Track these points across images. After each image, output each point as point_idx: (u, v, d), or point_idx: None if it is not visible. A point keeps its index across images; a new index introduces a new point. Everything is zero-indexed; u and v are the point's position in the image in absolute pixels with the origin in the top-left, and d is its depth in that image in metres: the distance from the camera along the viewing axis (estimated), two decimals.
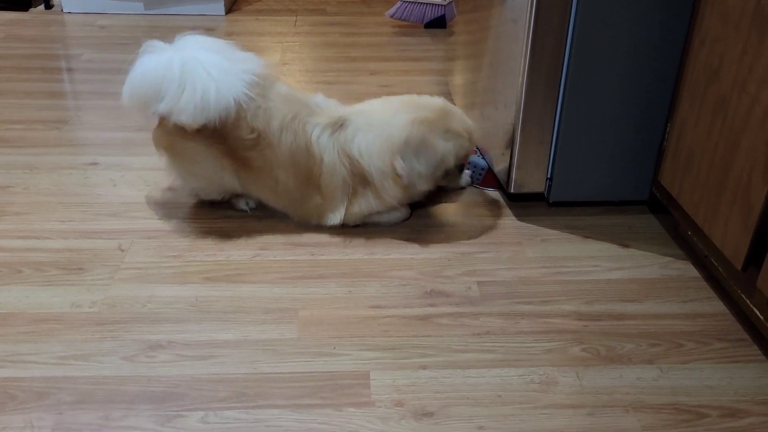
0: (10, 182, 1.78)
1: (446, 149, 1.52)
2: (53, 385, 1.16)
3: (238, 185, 1.62)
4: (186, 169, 1.62)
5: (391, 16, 3.21)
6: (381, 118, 1.55)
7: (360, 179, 1.55)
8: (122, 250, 1.52)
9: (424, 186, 1.56)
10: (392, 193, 1.55)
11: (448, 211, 1.72)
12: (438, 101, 1.59)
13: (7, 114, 2.20)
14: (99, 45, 2.91)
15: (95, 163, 1.90)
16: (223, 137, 1.53)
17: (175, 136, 1.55)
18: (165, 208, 1.69)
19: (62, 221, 1.62)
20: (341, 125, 1.55)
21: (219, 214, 1.67)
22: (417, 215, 1.69)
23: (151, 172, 1.85)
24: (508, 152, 1.64)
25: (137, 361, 1.21)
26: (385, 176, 1.53)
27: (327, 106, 1.60)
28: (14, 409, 1.11)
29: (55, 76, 2.58)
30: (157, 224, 1.62)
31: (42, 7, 3.43)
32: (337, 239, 1.58)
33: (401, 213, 1.65)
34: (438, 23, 3.18)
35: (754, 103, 1.16)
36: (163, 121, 1.56)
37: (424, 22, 3.19)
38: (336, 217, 1.58)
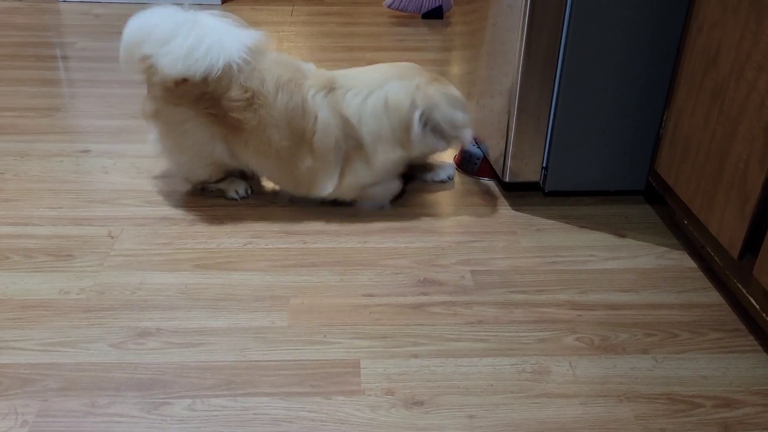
0: (1, 169, 1.76)
1: (455, 116, 1.56)
2: (39, 371, 1.14)
3: (228, 155, 1.58)
4: (174, 140, 1.57)
5: (389, 6, 3.18)
6: (373, 80, 1.55)
7: (353, 143, 1.53)
8: (112, 237, 1.50)
9: (425, 150, 1.59)
10: (382, 158, 1.54)
11: (443, 200, 1.70)
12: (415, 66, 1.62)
13: None
14: (93, 33, 2.89)
15: (87, 151, 1.88)
16: (213, 100, 1.49)
17: (163, 103, 1.52)
18: (156, 195, 1.67)
19: (52, 208, 1.60)
20: (332, 88, 1.54)
21: (210, 202, 1.65)
22: (411, 204, 1.67)
23: (142, 160, 1.83)
24: (504, 141, 1.62)
25: (125, 348, 1.20)
26: (378, 139, 1.52)
27: (318, 72, 1.59)
28: None
29: (48, 63, 2.56)
30: (147, 211, 1.60)
31: None
32: (330, 227, 1.56)
33: (394, 184, 1.64)
34: (435, 14, 3.16)
35: (751, 90, 1.14)
36: (151, 88, 1.53)
37: (422, 13, 3.17)
38: (328, 185, 1.55)
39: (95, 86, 2.33)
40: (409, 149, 1.55)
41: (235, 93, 1.49)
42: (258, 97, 1.50)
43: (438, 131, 1.55)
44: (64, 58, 2.64)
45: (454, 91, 1.59)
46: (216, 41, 1.46)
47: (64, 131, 2.00)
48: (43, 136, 1.96)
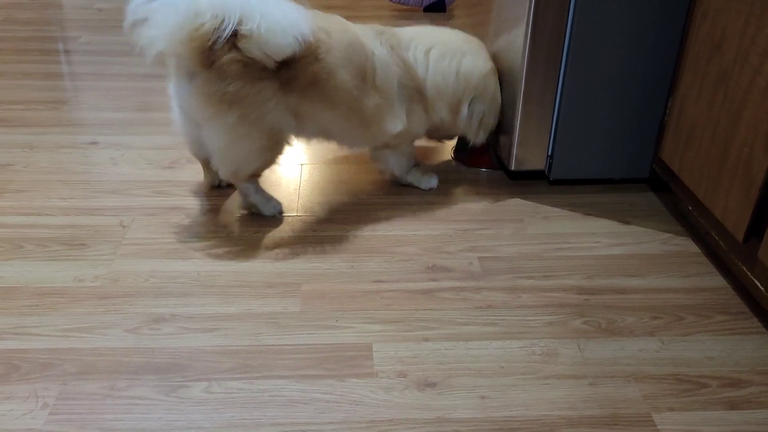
0: (10, 160, 1.78)
1: (495, 120, 1.72)
2: (57, 356, 1.16)
3: (294, 129, 1.49)
4: (252, 124, 1.40)
5: (391, 0, 3.19)
6: (446, 43, 1.62)
7: (414, 88, 1.58)
8: (123, 227, 1.52)
9: (453, 128, 1.70)
10: (440, 114, 1.63)
11: (449, 188, 1.72)
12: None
13: (5, 95, 2.19)
14: (97, 28, 2.89)
15: (95, 143, 1.90)
16: (288, 65, 1.38)
17: (244, 81, 1.36)
18: (165, 186, 1.69)
19: (63, 198, 1.62)
20: (386, 34, 1.57)
21: (220, 192, 1.66)
22: (418, 193, 1.69)
23: (150, 151, 1.85)
24: (510, 130, 1.64)
25: (141, 333, 1.22)
26: (441, 96, 1.61)
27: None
28: (19, 379, 1.11)
29: (53, 57, 2.57)
30: (157, 201, 1.62)
31: None
32: (339, 216, 1.58)
33: (435, 181, 1.72)
34: (437, 6, 3.17)
35: (756, 75, 1.16)
36: (221, 69, 1.33)
37: (424, 6, 3.18)
38: (397, 124, 1.56)
39: (101, 79, 2.34)
40: (453, 121, 1.66)
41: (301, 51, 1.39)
42: (319, 45, 1.42)
43: (476, 121, 1.66)
44: (68, 52, 2.65)
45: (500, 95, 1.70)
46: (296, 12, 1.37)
47: (72, 124, 2.01)
48: (51, 128, 1.97)
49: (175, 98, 1.48)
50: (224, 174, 1.52)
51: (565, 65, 1.53)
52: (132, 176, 1.73)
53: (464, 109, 1.63)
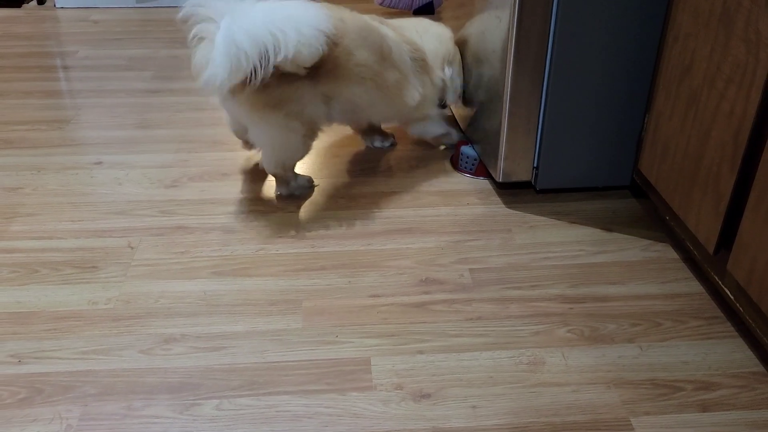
0: (20, 183, 1.86)
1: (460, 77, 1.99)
2: (77, 378, 1.24)
3: (326, 119, 1.74)
4: (296, 119, 1.63)
5: (380, 4, 3.26)
6: (420, 21, 1.95)
7: (420, 61, 1.83)
8: (132, 248, 1.60)
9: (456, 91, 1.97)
10: (439, 75, 1.89)
11: (440, 200, 1.80)
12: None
13: (9, 115, 2.26)
14: (94, 41, 2.95)
15: (99, 162, 1.97)
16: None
17: (285, 85, 1.57)
18: (169, 205, 1.77)
19: (73, 221, 1.69)
20: (385, 22, 1.81)
21: (222, 210, 1.74)
22: (410, 206, 1.77)
23: (153, 170, 1.92)
24: (496, 143, 1.72)
25: (154, 354, 1.30)
26: (436, 57, 1.88)
27: None
28: (42, 402, 1.19)
29: (52, 74, 2.63)
30: (162, 221, 1.70)
31: (35, 2, 3.46)
32: (335, 231, 1.66)
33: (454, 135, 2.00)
34: (426, 9, 3.24)
35: (721, 99, 1.24)
36: (264, 81, 1.52)
37: (413, 9, 3.25)
38: (415, 94, 1.81)
39: (101, 96, 2.41)
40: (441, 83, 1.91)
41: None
42: (336, 32, 1.60)
43: (450, 81, 1.93)
44: (67, 68, 2.71)
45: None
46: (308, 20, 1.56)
47: (76, 143, 2.09)
48: (56, 149, 2.05)
49: (222, 107, 1.75)
50: (273, 167, 1.75)
51: (549, 80, 1.61)
52: (136, 196, 1.81)
53: (447, 70, 1.90)
